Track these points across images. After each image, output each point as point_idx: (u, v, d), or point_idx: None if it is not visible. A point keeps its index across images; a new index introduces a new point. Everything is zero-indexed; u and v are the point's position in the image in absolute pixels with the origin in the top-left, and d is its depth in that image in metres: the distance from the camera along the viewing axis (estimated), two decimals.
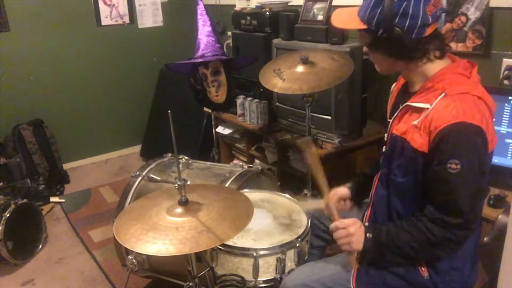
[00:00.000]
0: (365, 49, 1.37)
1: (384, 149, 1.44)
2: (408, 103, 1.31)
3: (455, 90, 1.22)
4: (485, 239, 1.60)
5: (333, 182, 1.59)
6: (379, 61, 1.37)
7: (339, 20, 1.38)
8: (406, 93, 1.40)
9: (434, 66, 1.29)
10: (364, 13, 1.26)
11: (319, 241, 1.73)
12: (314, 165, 1.51)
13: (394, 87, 1.54)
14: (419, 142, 1.24)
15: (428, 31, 1.23)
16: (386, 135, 1.43)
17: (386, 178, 1.38)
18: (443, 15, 2.20)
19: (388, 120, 1.44)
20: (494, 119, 1.29)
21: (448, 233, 1.22)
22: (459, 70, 1.28)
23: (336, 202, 1.59)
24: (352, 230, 1.32)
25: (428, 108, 1.23)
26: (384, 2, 1.21)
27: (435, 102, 1.22)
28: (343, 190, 1.63)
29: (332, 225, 1.37)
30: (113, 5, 3.88)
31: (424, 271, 1.32)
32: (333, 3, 2.58)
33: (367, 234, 1.31)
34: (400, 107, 1.35)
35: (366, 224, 1.39)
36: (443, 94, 1.22)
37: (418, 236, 1.24)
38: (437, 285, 1.32)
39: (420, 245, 1.25)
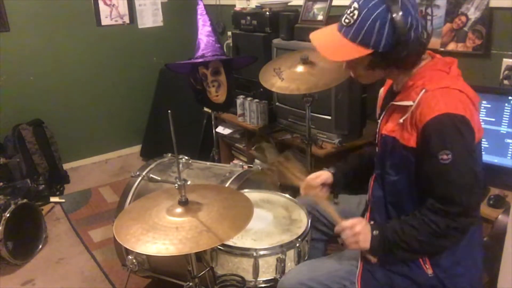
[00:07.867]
0: (345, 66, 1.37)
1: (376, 149, 1.45)
2: (392, 102, 1.35)
3: (435, 85, 1.25)
4: (485, 239, 1.59)
5: None
6: (367, 75, 1.36)
7: (329, 52, 1.32)
8: (392, 92, 1.43)
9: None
10: (368, 37, 1.23)
11: (319, 235, 1.73)
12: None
13: (382, 89, 1.57)
14: (407, 138, 1.27)
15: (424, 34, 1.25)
16: (377, 136, 1.45)
17: (381, 178, 1.40)
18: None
19: (377, 120, 1.47)
20: (479, 112, 1.34)
21: (451, 222, 1.22)
22: (438, 67, 1.31)
23: (318, 188, 1.57)
24: (358, 229, 1.33)
25: (411, 105, 1.26)
26: (392, 22, 1.19)
27: (418, 99, 1.25)
28: (326, 175, 1.59)
29: (338, 227, 1.38)
30: (113, 5, 3.88)
31: (428, 269, 1.32)
32: (333, 3, 2.57)
33: (374, 232, 1.32)
34: (387, 107, 1.39)
35: (371, 223, 1.39)
36: (424, 90, 1.25)
37: (423, 229, 1.25)
38: (444, 281, 1.32)
39: (426, 238, 1.25)
